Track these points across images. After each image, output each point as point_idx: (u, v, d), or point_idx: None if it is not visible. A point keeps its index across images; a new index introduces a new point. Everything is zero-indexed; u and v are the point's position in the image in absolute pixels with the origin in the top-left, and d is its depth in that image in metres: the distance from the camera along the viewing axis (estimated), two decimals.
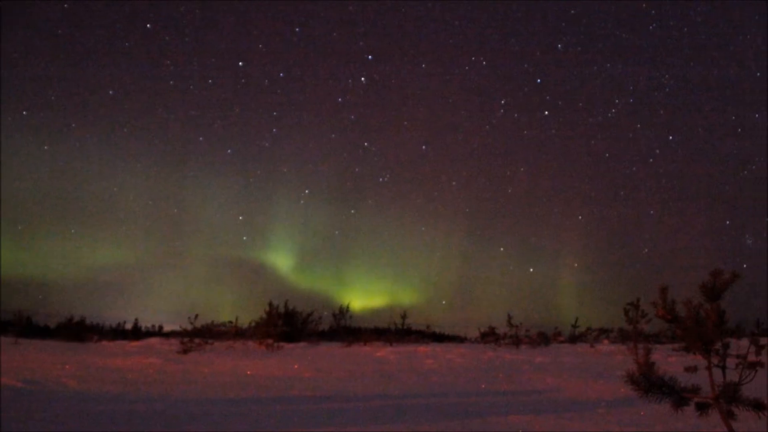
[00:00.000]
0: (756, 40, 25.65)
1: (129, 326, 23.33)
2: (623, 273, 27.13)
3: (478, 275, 27.59)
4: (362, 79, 24.47)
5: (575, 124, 26.01)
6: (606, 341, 17.73)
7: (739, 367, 3.84)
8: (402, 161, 26.58)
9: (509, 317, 17.10)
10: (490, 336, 17.97)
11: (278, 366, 12.13)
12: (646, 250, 26.95)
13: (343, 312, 19.75)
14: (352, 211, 26.69)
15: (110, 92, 24.29)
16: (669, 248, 27.24)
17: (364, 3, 24.53)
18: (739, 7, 25.66)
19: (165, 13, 23.90)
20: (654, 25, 25.78)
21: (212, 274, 26.69)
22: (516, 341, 16.73)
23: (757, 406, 3.70)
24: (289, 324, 17.90)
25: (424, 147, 26.10)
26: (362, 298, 27.36)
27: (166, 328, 23.20)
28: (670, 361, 10.74)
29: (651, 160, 27.23)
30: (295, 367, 11.92)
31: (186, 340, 16.09)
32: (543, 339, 17.15)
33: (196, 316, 18.24)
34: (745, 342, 4.19)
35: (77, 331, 20.86)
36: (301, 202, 25.96)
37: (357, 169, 26.16)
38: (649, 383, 4.00)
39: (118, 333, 22.18)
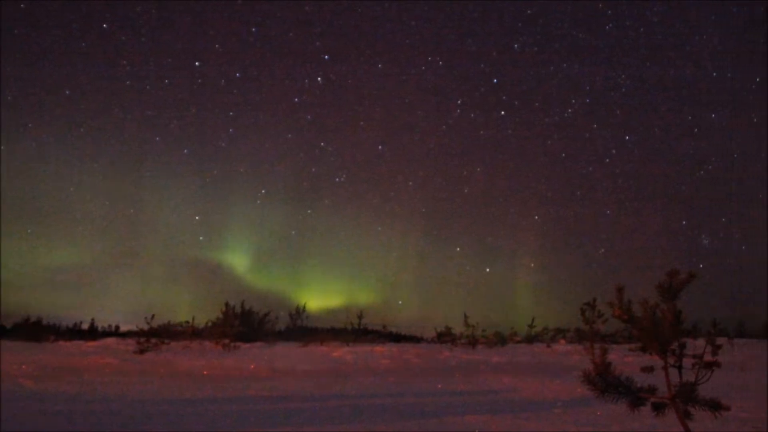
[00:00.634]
0: (712, 40, 26.04)
1: (86, 326, 22.81)
2: (580, 273, 27.36)
3: (434, 275, 27.56)
4: (318, 79, 24.29)
5: (532, 124, 26.14)
6: (562, 341, 17.78)
7: (695, 367, 3.78)
8: (358, 161, 26.51)
9: (465, 317, 17.04)
10: (446, 336, 17.89)
11: (235, 366, 11.89)
12: (603, 250, 27.18)
13: (299, 312, 19.55)
14: (309, 211, 26.51)
15: (66, 92, 23.71)
16: (626, 248, 27.50)
17: (320, 3, 24.36)
18: (695, 8, 26.02)
19: (121, 13, 23.43)
20: (610, 25, 25.99)
21: (169, 274, 26.29)
22: (472, 341, 16.66)
23: (714, 405, 3.64)
24: (245, 324, 17.63)
25: (380, 147, 26.04)
26: (319, 298, 27.19)
27: (123, 328, 22.73)
28: (627, 361, 10.74)
29: (607, 160, 27.48)
30: (252, 367, 11.70)
31: (143, 340, 15.71)
32: (499, 339, 17.12)
33: (153, 316, 17.84)
34: (701, 342, 4.15)
35: (34, 331, 20.31)
36: (258, 202, 25.70)
37: (313, 169, 25.96)
38: (606, 383, 3.91)
39: (75, 333, 21.65)
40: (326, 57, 24.28)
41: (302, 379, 10.06)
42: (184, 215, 26.20)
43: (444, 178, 26.94)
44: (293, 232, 26.98)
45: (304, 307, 19.74)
